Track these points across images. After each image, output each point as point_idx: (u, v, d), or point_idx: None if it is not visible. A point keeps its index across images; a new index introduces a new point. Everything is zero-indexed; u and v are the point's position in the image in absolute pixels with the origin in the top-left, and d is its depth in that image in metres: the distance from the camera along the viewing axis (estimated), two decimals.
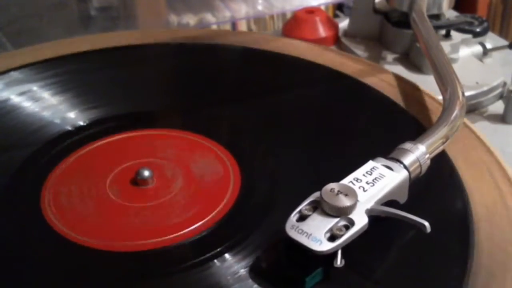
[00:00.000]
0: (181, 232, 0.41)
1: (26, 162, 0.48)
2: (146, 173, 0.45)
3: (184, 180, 0.46)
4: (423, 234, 0.35)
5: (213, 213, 0.43)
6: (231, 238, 0.40)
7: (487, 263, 0.38)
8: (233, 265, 0.38)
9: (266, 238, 0.39)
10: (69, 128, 0.52)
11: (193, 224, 0.42)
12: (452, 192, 0.43)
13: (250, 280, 0.36)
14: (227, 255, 0.39)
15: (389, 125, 0.51)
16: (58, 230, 0.42)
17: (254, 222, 0.42)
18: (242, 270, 0.37)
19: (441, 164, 0.44)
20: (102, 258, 0.40)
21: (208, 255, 0.39)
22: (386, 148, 0.41)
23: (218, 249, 0.39)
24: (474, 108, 0.61)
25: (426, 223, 0.35)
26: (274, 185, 0.45)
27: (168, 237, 0.41)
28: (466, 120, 0.50)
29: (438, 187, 0.44)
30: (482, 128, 0.56)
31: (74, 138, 0.51)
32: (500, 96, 0.63)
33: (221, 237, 0.40)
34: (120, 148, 0.50)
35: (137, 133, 0.52)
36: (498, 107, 0.62)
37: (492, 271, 0.37)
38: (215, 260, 0.38)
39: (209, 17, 1.02)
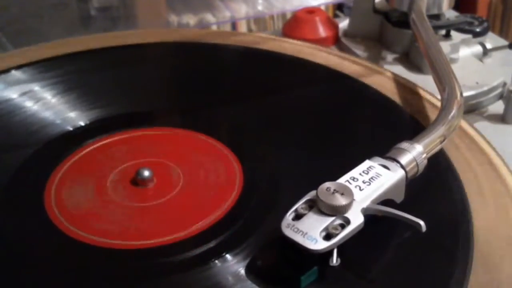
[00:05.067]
0: (182, 232, 0.41)
1: (27, 162, 0.48)
2: (146, 173, 0.45)
3: (184, 179, 0.46)
4: (420, 233, 0.35)
5: (214, 213, 0.43)
6: (232, 238, 0.40)
7: (485, 263, 0.38)
8: (234, 265, 0.38)
9: (267, 238, 0.39)
10: (70, 128, 0.52)
11: (194, 224, 0.42)
12: (451, 192, 0.43)
13: (248, 280, 0.37)
14: (228, 255, 0.39)
15: (389, 124, 0.51)
16: (59, 229, 0.42)
17: (256, 222, 0.42)
18: (243, 270, 0.37)
19: (440, 164, 0.45)
20: (102, 257, 0.40)
21: (209, 254, 0.39)
22: (386, 148, 0.41)
23: (219, 249, 0.39)
24: (474, 108, 0.61)
25: (422, 222, 0.35)
26: (276, 185, 0.45)
27: (168, 237, 0.41)
28: (465, 119, 0.50)
29: (437, 187, 0.44)
30: (482, 128, 0.56)
31: (75, 138, 0.51)
32: (500, 96, 0.63)
33: (222, 237, 0.41)
34: (120, 148, 0.50)
35: (137, 133, 0.52)
36: (498, 107, 0.62)
37: (490, 271, 0.37)
38: (216, 260, 0.38)
39: (209, 17, 1.03)
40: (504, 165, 0.46)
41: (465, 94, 0.57)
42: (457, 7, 0.70)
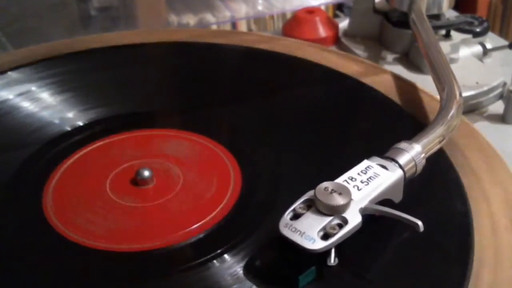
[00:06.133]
0: (181, 232, 0.41)
1: (26, 162, 0.48)
2: (146, 173, 0.45)
3: (184, 180, 0.46)
4: (419, 233, 0.35)
5: (213, 213, 0.43)
6: (231, 239, 0.40)
7: (485, 263, 0.38)
8: (233, 266, 0.38)
9: (266, 238, 0.39)
10: (69, 128, 0.52)
11: (193, 224, 0.42)
12: (451, 192, 0.43)
13: (246, 280, 0.37)
14: (226, 256, 0.39)
15: (389, 125, 0.51)
16: (58, 230, 0.42)
17: (254, 222, 0.42)
18: (241, 270, 0.37)
19: (440, 164, 0.45)
20: (102, 258, 0.40)
21: (208, 255, 0.39)
22: (385, 148, 0.41)
23: (218, 250, 0.39)
24: (474, 108, 0.61)
25: (419, 222, 0.35)
26: (274, 186, 0.45)
27: (168, 237, 0.41)
28: (465, 119, 0.50)
29: (437, 187, 0.44)
30: (482, 128, 0.56)
31: (74, 139, 0.51)
32: (500, 96, 0.63)
33: (221, 238, 0.41)
34: (120, 148, 0.50)
35: (137, 133, 0.52)
36: (498, 107, 0.62)
37: (491, 272, 0.37)
38: (215, 261, 0.38)
39: (209, 17, 1.03)
40: (504, 165, 0.46)
41: (465, 94, 0.57)
42: (457, 7, 0.70)
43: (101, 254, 0.40)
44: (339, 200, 0.35)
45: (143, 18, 0.95)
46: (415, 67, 0.65)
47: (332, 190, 0.35)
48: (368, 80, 0.57)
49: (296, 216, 0.35)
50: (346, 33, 0.73)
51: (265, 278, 0.36)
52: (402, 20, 0.66)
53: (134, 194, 0.45)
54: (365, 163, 0.39)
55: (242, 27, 1.08)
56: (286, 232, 0.35)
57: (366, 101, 0.55)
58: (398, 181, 0.38)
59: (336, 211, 0.35)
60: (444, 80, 0.50)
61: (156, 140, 0.51)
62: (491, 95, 0.62)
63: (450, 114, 0.45)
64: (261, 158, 0.48)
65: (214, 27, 1.03)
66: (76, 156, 0.49)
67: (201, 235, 0.41)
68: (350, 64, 0.60)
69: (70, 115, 0.54)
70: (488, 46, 0.67)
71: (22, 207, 0.44)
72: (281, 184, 0.45)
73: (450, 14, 0.70)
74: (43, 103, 0.55)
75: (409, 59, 0.66)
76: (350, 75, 0.58)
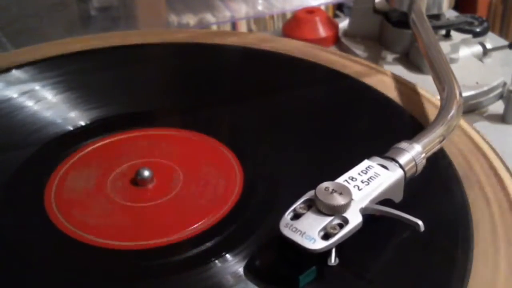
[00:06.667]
0: (181, 232, 0.41)
1: (27, 162, 0.48)
2: (146, 173, 0.45)
3: (184, 179, 0.46)
4: (419, 233, 0.35)
5: (213, 213, 0.43)
6: (231, 238, 0.40)
7: (485, 263, 0.38)
8: (234, 265, 0.38)
9: (267, 238, 0.39)
10: (70, 128, 0.52)
11: (193, 224, 0.42)
12: (451, 192, 0.43)
13: (247, 280, 0.37)
14: (228, 256, 0.39)
15: (389, 125, 0.51)
16: (59, 229, 0.42)
17: (255, 222, 0.42)
18: (241, 270, 0.37)
19: (439, 164, 0.45)
20: (102, 257, 0.40)
21: (208, 255, 0.39)
22: (386, 148, 0.41)
23: (218, 249, 0.39)
24: (474, 108, 0.61)
25: (420, 222, 0.35)
26: (276, 185, 0.45)
27: (168, 237, 0.41)
28: (464, 119, 0.50)
29: (437, 187, 0.44)
30: (482, 128, 0.56)
31: (75, 138, 0.51)
32: (500, 96, 0.63)
33: (221, 237, 0.41)
34: (120, 148, 0.50)
35: (137, 133, 0.52)
36: (498, 107, 0.62)
37: (490, 271, 0.37)
38: (216, 260, 0.38)
39: (209, 17, 1.03)
40: (503, 165, 0.46)
41: (465, 94, 0.57)
42: (457, 7, 0.70)
43: (101, 253, 0.40)
44: (340, 200, 0.35)
45: (143, 18, 0.95)
46: (415, 67, 0.65)
47: (333, 190, 0.35)
48: (368, 80, 0.57)
49: (296, 216, 0.35)
50: (346, 33, 0.73)
51: (265, 278, 0.36)
52: (402, 20, 0.66)
53: (135, 194, 0.45)
54: (365, 163, 0.39)
55: (242, 27, 1.08)
56: (286, 232, 0.35)
57: (366, 101, 0.55)
58: (399, 181, 0.39)
59: (336, 211, 0.35)
60: (444, 80, 0.50)
61: (156, 140, 0.51)
62: (491, 95, 0.62)
63: (450, 114, 0.45)
64: (262, 158, 0.49)
65: (214, 27, 1.03)
66: (77, 156, 0.49)
67: (201, 235, 0.41)
68: (350, 64, 0.60)
69: (71, 114, 0.54)
70: (488, 46, 0.67)
71: (23, 207, 0.44)
72: (282, 184, 0.45)
73: (450, 14, 0.70)
74: (45, 103, 0.55)
75: (409, 59, 0.66)
76: (350, 76, 0.58)
